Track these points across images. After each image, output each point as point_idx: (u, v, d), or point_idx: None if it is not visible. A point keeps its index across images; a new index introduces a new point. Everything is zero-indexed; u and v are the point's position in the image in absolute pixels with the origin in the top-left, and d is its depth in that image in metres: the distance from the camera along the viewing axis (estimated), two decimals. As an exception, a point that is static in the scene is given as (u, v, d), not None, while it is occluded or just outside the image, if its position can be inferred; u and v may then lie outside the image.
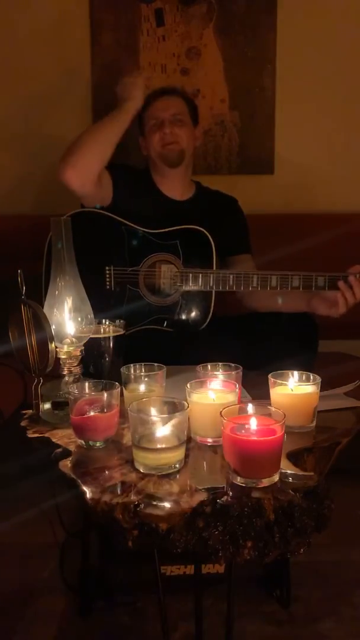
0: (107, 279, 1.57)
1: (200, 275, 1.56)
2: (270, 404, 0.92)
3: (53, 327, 0.99)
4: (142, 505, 0.71)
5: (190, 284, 1.56)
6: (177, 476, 0.78)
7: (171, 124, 1.66)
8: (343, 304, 1.47)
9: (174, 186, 1.75)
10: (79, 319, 1.03)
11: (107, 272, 1.57)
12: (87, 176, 1.52)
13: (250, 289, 1.55)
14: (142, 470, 0.79)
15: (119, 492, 0.75)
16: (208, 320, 1.58)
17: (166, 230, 1.60)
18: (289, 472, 0.78)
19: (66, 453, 0.88)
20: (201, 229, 1.59)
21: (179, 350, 1.40)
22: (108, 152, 1.55)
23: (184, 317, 1.59)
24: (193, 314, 1.59)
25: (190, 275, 1.56)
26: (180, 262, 1.58)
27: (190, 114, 1.73)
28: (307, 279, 1.52)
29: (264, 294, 1.62)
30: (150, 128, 1.69)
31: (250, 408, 0.81)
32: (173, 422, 0.80)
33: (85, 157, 1.51)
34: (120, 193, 1.65)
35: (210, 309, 1.58)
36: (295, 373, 0.97)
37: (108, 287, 1.57)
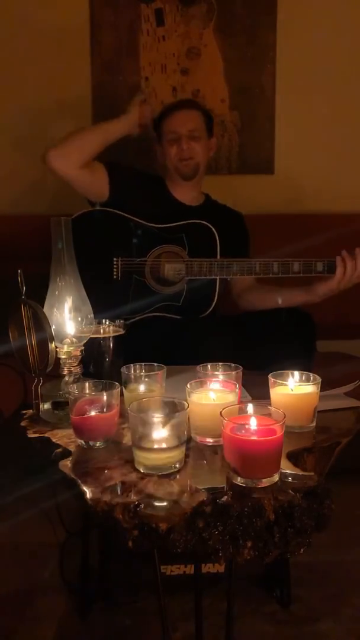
0: (115, 269, 1.62)
1: (205, 263, 1.61)
2: (270, 404, 0.92)
3: (53, 327, 0.99)
4: (142, 505, 0.71)
5: (195, 273, 1.61)
6: (177, 476, 0.78)
7: (188, 140, 1.71)
8: (341, 272, 1.52)
9: (186, 193, 1.80)
10: (79, 319, 1.03)
11: (115, 263, 1.62)
12: (66, 160, 1.63)
13: (253, 275, 1.61)
14: (142, 470, 0.79)
15: (119, 492, 0.75)
16: (212, 307, 1.64)
17: (172, 225, 1.67)
18: (289, 472, 0.78)
19: (66, 453, 0.88)
20: (206, 223, 1.66)
21: (182, 337, 1.46)
22: (88, 148, 1.64)
23: (188, 304, 1.64)
24: (198, 301, 1.64)
25: (195, 264, 1.62)
26: (186, 253, 1.64)
27: (207, 126, 1.78)
28: (307, 264, 1.58)
29: (263, 292, 1.68)
30: (167, 141, 1.74)
31: (250, 408, 0.81)
32: (173, 422, 0.80)
33: (66, 146, 1.63)
34: (121, 191, 1.69)
35: (215, 296, 1.64)
36: (296, 373, 0.97)
37: (115, 276, 1.62)
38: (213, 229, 1.65)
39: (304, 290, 1.60)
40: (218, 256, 1.64)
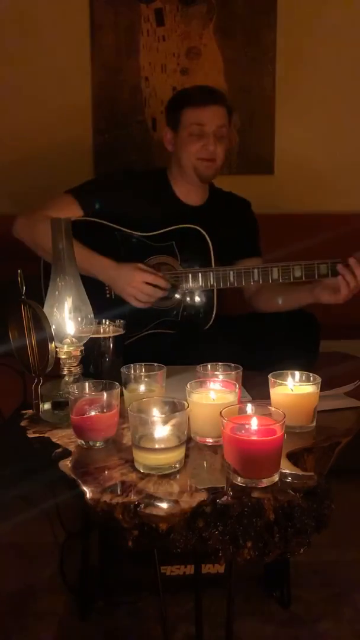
0: (107, 287, 1.52)
1: (200, 274, 1.51)
2: (270, 404, 0.92)
3: (53, 327, 0.99)
4: (142, 505, 0.71)
5: (191, 284, 1.51)
6: (177, 476, 0.78)
7: (215, 140, 1.55)
8: (345, 288, 1.43)
9: (192, 192, 1.67)
10: (79, 319, 1.03)
11: None
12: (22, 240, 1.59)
13: (252, 283, 1.52)
14: (142, 470, 0.79)
15: (119, 492, 0.74)
16: (212, 319, 1.55)
17: (160, 232, 1.55)
18: (289, 472, 0.78)
19: (66, 453, 0.87)
20: (195, 226, 1.54)
21: (182, 352, 1.37)
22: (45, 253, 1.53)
23: (187, 318, 1.54)
24: (196, 315, 1.55)
25: (190, 275, 1.52)
26: (178, 263, 1.54)
27: (229, 123, 1.63)
28: (309, 267, 1.48)
29: (271, 294, 1.60)
30: (189, 134, 1.55)
31: (250, 408, 0.81)
32: (173, 422, 0.80)
33: (28, 240, 1.58)
34: (102, 205, 1.57)
35: (214, 308, 1.54)
36: (296, 373, 0.97)
37: (108, 295, 1.52)
38: (204, 233, 1.53)
39: (308, 292, 1.51)
40: (212, 263, 1.53)
